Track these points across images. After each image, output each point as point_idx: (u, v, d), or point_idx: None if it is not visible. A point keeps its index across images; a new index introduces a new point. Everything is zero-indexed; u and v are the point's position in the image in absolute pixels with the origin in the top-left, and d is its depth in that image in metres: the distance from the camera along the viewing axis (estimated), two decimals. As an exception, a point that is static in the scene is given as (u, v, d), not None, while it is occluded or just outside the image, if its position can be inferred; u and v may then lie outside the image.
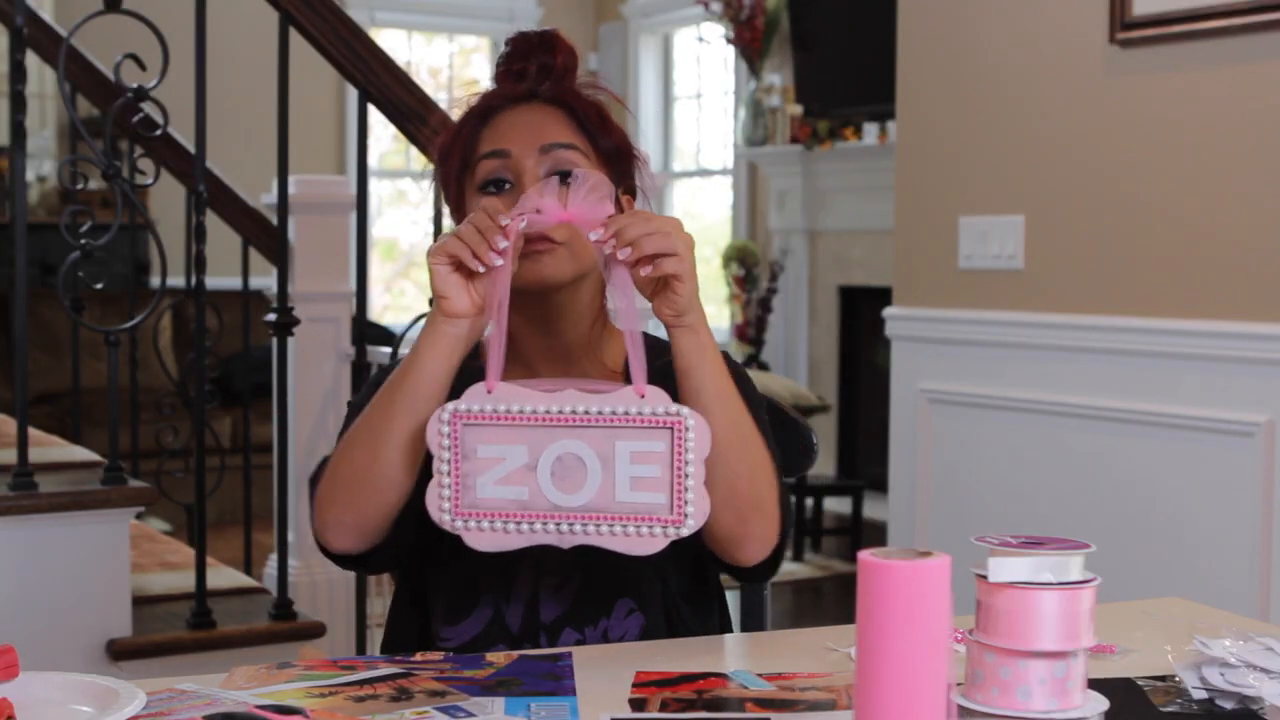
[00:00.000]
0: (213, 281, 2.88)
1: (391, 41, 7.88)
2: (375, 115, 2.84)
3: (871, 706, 0.98)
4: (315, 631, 2.89)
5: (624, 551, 1.28)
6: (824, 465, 6.65)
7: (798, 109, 6.50)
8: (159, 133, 2.84)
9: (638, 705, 1.23)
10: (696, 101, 7.75)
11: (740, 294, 6.82)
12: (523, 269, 1.45)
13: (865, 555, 0.98)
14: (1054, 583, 1.15)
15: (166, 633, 2.72)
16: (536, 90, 1.53)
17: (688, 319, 1.37)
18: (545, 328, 1.54)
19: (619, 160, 1.55)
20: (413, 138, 2.83)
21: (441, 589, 1.53)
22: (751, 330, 6.82)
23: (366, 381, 1.64)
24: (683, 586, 1.56)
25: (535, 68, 1.54)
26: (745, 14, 6.67)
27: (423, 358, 1.40)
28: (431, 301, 1.48)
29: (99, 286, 2.74)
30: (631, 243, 1.32)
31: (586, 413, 1.26)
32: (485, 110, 1.53)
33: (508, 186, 1.49)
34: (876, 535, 5.78)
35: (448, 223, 1.71)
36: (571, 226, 1.39)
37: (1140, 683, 1.30)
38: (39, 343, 5.90)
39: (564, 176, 1.44)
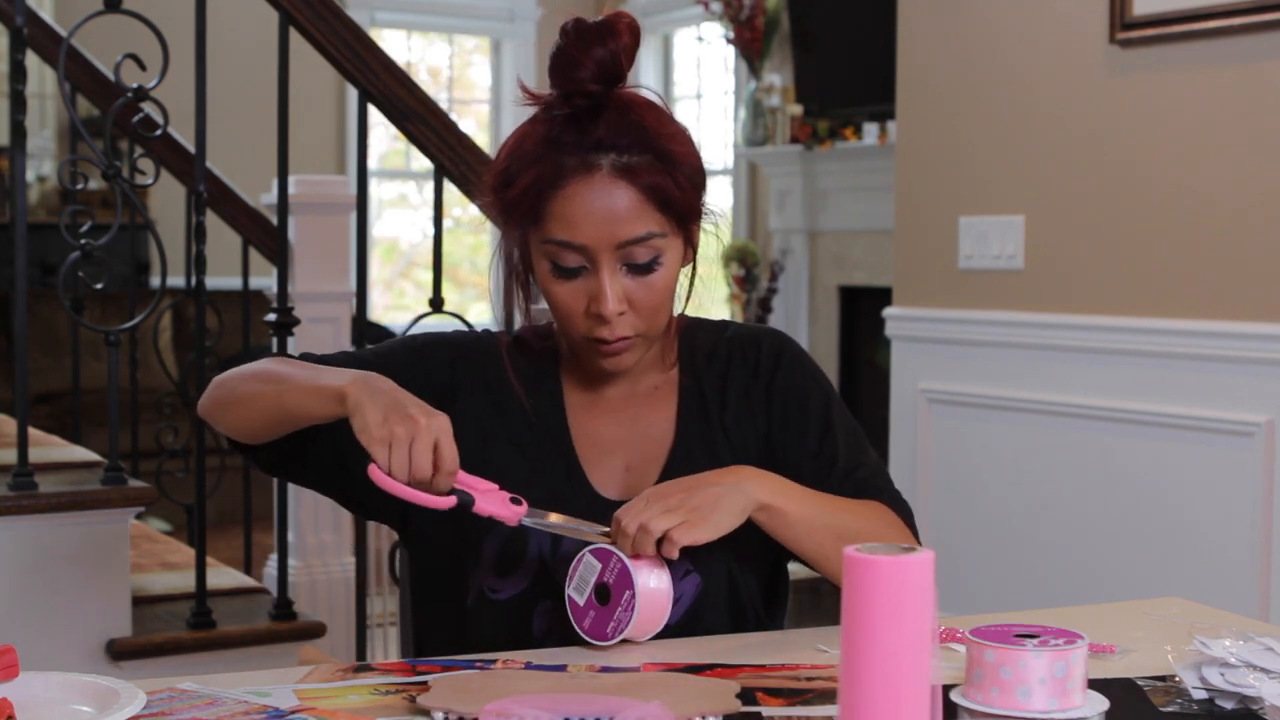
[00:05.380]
0: (213, 281, 2.88)
1: (391, 42, 7.88)
2: (375, 115, 2.84)
3: (856, 700, 0.98)
4: (315, 631, 2.89)
5: None
6: (824, 465, 6.61)
7: (798, 109, 6.49)
8: (159, 133, 2.84)
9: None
10: (696, 101, 7.74)
11: (740, 294, 6.81)
12: (606, 364, 1.50)
13: (850, 550, 0.99)
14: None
15: (166, 633, 2.72)
16: (604, 141, 1.44)
17: (747, 516, 1.43)
18: None
19: (690, 215, 1.51)
20: (413, 138, 2.83)
21: (488, 543, 1.52)
22: (751, 330, 6.79)
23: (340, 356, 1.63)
24: (753, 567, 1.55)
25: (591, 66, 1.45)
26: (745, 14, 6.66)
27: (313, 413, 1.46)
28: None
29: (99, 286, 2.73)
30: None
31: None
32: (555, 174, 1.45)
33: (583, 271, 1.47)
34: (876, 535, 5.75)
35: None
36: (643, 304, 1.47)
37: (1140, 683, 1.30)
38: (39, 343, 5.89)
39: (638, 269, 1.47)
